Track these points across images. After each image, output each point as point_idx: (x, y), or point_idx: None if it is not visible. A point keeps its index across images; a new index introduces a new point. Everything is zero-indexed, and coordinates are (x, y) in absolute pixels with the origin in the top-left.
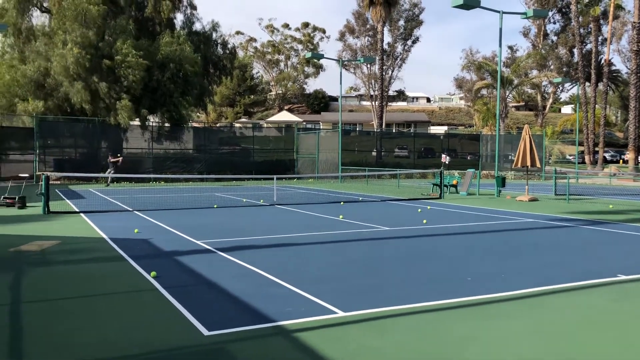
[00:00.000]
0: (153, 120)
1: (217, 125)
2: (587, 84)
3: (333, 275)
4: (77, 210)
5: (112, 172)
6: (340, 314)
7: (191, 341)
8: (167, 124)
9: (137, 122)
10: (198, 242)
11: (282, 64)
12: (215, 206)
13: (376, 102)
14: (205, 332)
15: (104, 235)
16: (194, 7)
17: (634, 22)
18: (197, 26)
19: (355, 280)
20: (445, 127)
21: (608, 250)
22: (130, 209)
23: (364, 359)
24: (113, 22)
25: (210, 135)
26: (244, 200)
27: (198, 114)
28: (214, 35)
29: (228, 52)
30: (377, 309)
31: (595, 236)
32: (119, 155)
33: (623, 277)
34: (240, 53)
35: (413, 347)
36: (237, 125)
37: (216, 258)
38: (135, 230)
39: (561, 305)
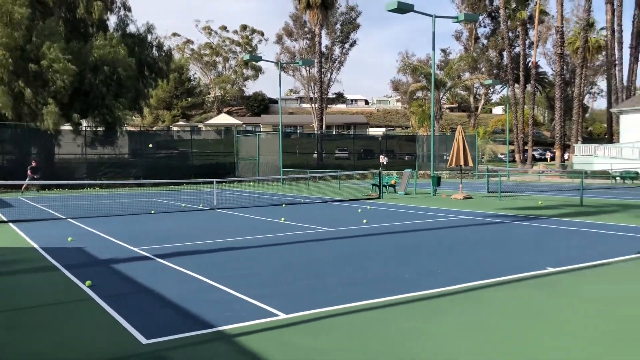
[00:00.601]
0: (87, 124)
1: (154, 128)
2: (516, 85)
3: (274, 278)
4: (4, 219)
5: (29, 179)
6: (282, 316)
7: (129, 351)
8: (100, 128)
9: (68, 126)
10: (135, 249)
11: (220, 66)
12: (152, 212)
13: (316, 105)
14: (144, 340)
15: (35, 245)
16: (127, 9)
17: (557, 27)
18: (132, 28)
19: (297, 283)
20: (384, 129)
21: (537, 245)
22: (64, 217)
23: None
24: (41, 24)
25: (146, 139)
26: (183, 205)
27: (134, 117)
28: (149, 37)
29: (164, 54)
30: (318, 310)
31: (525, 231)
32: (33, 163)
33: (551, 270)
34: (177, 55)
35: (353, 345)
36: (175, 128)
37: (154, 265)
38: (69, 239)
39: (494, 299)
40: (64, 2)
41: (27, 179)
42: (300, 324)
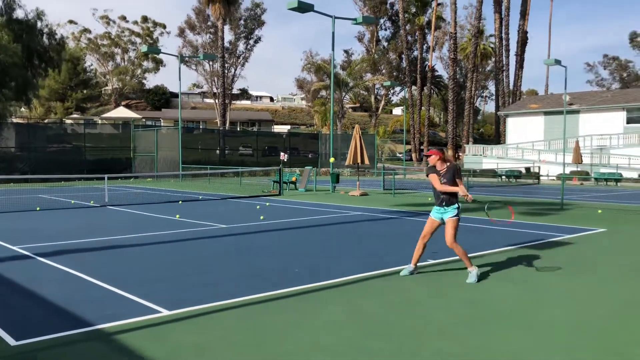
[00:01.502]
0: None
1: (45, 121)
2: (414, 87)
3: (162, 275)
4: None
5: None
6: (165, 312)
7: None
8: None
9: None
10: (14, 247)
11: (118, 58)
12: (38, 209)
13: (219, 100)
14: (13, 342)
15: None
16: None
17: (451, 33)
18: (19, 13)
19: (185, 279)
20: (288, 127)
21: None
22: None
23: (183, 355)
24: None
25: (36, 132)
26: (72, 202)
27: (22, 108)
28: (39, 24)
29: (55, 42)
30: (202, 306)
31: (413, 226)
32: None
33: (431, 262)
34: (72, 44)
35: (235, 340)
36: (68, 121)
37: (34, 264)
38: None
39: (378, 289)
40: None
41: None
42: (184, 319)
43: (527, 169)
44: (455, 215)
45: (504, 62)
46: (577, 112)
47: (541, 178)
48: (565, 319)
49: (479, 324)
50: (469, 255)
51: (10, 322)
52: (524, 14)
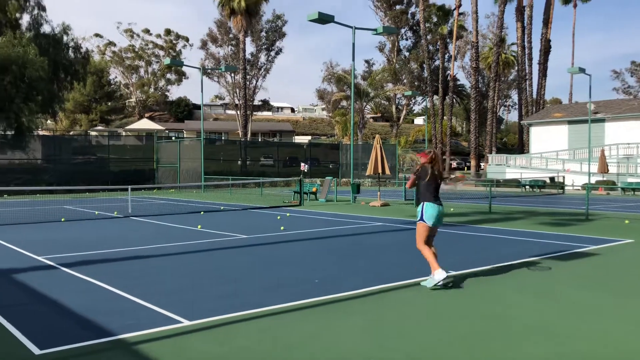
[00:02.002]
0: None
1: (70, 133)
2: (436, 97)
3: (184, 286)
4: None
5: None
6: (186, 323)
7: None
8: (9, 132)
9: None
10: (39, 258)
11: (142, 70)
12: (62, 219)
13: (240, 111)
14: (37, 351)
15: None
16: (42, 8)
17: (473, 42)
18: (46, 28)
19: (205, 290)
20: (309, 137)
21: (444, 249)
22: None
23: None
24: None
25: (61, 144)
26: (96, 212)
27: (48, 120)
28: (65, 38)
29: (81, 56)
30: (223, 316)
31: (436, 237)
32: None
33: (453, 273)
34: (98, 57)
35: (256, 350)
36: (93, 133)
37: (58, 274)
38: None
39: (398, 301)
40: None
41: None
42: (204, 330)
43: (552, 179)
44: (418, 220)
45: (527, 71)
46: (602, 120)
47: (566, 188)
48: (589, 332)
49: (501, 336)
50: (496, 265)
51: (34, 331)
52: (546, 22)
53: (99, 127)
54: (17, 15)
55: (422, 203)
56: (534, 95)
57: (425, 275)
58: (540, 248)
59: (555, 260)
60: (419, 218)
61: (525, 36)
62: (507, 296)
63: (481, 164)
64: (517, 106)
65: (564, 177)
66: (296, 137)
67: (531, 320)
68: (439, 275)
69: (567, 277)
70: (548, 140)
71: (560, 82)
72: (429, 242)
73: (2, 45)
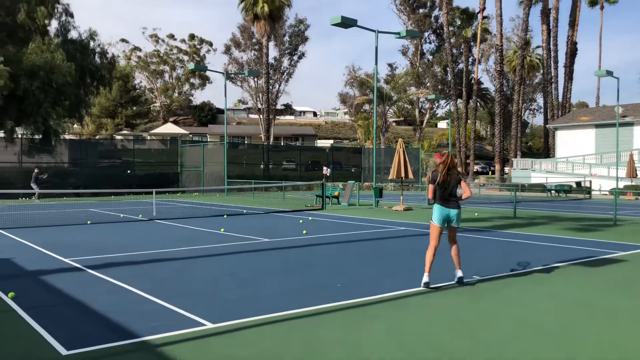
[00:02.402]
0: (22, 132)
1: (96, 137)
2: (460, 100)
3: (207, 288)
4: None
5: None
6: (209, 325)
7: None
8: (37, 136)
9: (2, 134)
10: (66, 260)
11: (167, 75)
12: (88, 222)
13: (263, 116)
14: (64, 351)
15: None
16: (70, 15)
17: (497, 45)
18: (74, 34)
19: (229, 293)
20: (331, 141)
21: (467, 254)
22: None
23: None
24: None
25: (87, 148)
26: (121, 215)
27: (74, 125)
28: (92, 44)
29: (107, 61)
30: (247, 319)
31: (459, 242)
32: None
33: (477, 278)
34: (123, 62)
35: (279, 353)
36: (118, 137)
37: (84, 276)
38: None
39: (421, 306)
40: (2, 5)
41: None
42: (227, 333)
43: (578, 184)
44: (431, 219)
45: (553, 74)
46: (630, 124)
47: (592, 193)
48: (619, 339)
49: (526, 341)
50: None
51: (61, 332)
52: (572, 25)
53: (124, 131)
54: (46, 21)
55: (434, 205)
56: (560, 99)
57: (449, 280)
58: (567, 254)
59: (582, 266)
60: (431, 218)
61: (551, 39)
62: (533, 302)
63: (505, 168)
64: (542, 110)
65: (590, 182)
66: (318, 141)
67: (558, 326)
68: (424, 278)
69: (594, 283)
70: (574, 145)
71: (587, 85)
72: (450, 241)
73: (31, 52)
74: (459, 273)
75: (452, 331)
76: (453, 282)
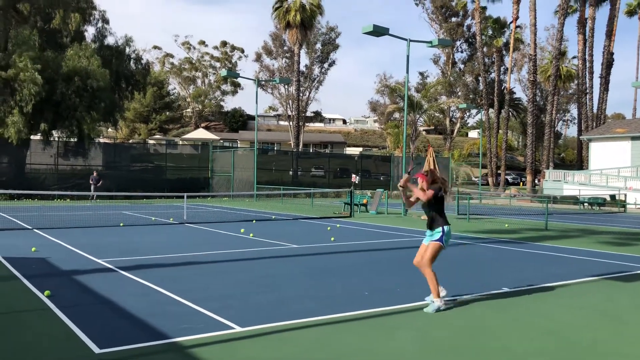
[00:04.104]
0: (58, 135)
1: (130, 141)
2: (491, 110)
3: (236, 292)
4: None
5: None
6: (237, 329)
7: (80, 359)
8: (72, 139)
9: (39, 136)
10: (99, 260)
11: (199, 81)
12: (121, 224)
13: (293, 122)
14: (97, 350)
15: None
16: (106, 21)
17: (530, 55)
18: (110, 40)
19: (258, 297)
20: (360, 149)
21: (497, 265)
22: (30, 227)
23: None
24: (14, 32)
25: (121, 152)
26: (153, 218)
27: (109, 129)
28: (127, 49)
29: (141, 67)
30: (274, 324)
31: (487, 252)
32: (94, 173)
33: (507, 290)
34: (157, 68)
35: (304, 359)
36: (151, 142)
37: (117, 277)
38: (33, 249)
39: (448, 316)
40: (40, 11)
41: (92, 188)
42: (255, 337)
43: (612, 197)
44: (437, 240)
45: (588, 85)
46: None
47: (628, 206)
48: None
49: (558, 355)
50: (552, 284)
51: (94, 331)
52: (609, 35)
53: (157, 136)
54: (82, 27)
55: (444, 225)
56: (595, 110)
57: (478, 292)
58: (600, 268)
59: (615, 281)
60: (437, 238)
61: (587, 49)
62: (564, 315)
63: (537, 179)
64: (576, 121)
65: (625, 195)
66: (347, 148)
67: (591, 340)
68: (439, 301)
69: (628, 298)
70: (609, 157)
71: (623, 96)
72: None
73: (69, 57)
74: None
75: (480, 343)
76: (485, 293)
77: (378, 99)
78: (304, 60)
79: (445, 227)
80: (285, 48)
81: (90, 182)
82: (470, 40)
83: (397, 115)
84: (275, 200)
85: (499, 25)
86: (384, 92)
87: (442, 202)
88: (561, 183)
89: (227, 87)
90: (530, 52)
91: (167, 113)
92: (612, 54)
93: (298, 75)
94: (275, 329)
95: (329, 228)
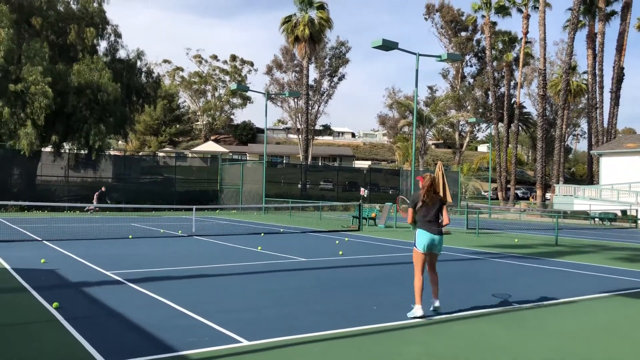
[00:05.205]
0: (69, 147)
1: (140, 154)
2: (501, 124)
3: (244, 306)
4: None
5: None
6: (244, 343)
7: None
8: (83, 151)
9: (50, 148)
10: (108, 272)
11: (209, 95)
12: (130, 237)
13: (302, 136)
14: None
15: (6, 265)
16: (118, 35)
17: (540, 69)
18: (122, 54)
19: (265, 310)
20: (369, 162)
21: (506, 281)
22: (39, 239)
23: None
24: (26, 45)
25: (131, 164)
26: (162, 231)
27: (119, 141)
28: (139, 63)
29: (152, 80)
30: (281, 338)
31: (497, 268)
32: (102, 188)
33: (517, 306)
34: (167, 82)
35: None
36: (161, 154)
37: (125, 289)
38: (42, 261)
39: (458, 332)
40: (51, 25)
41: (95, 201)
42: (261, 351)
43: (624, 212)
44: (414, 245)
45: (598, 99)
46: None
47: (639, 222)
48: None
49: None
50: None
51: (102, 343)
52: (620, 49)
53: (167, 149)
54: (95, 41)
55: (416, 229)
56: (605, 125)
57: (488, 307)
58: (611, 284)
59: (627, 298)
60: (413, 244)
61: (597, 63)
62: (576, 332)
63: (547, 194)
64: (586, 135)
65: (637, 211)
66: (356, 162)
67: (598, 356)
68: (416, 311)
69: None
70: (620, 171)
71: (634, 111)
72: (429, 268)
73: (80, 71)
74: (437, 303)
75: (489, 358)
76: (495, 309)
77: (387, 113)
78: (313, 74)
79: (417, 231)
80: (295, 62)
81: (95, 196)
82: (479, 54)
83: (406, 128)
84: (283, 213)
85: (509, 40)
86: (393, 106)
87: (419, 211)
88: (571, 198)
89: (236, 100)
90: (540, 66)
91: (177, 126)
92: (623, 68)
93: (307, 88)
94: (282, 343)
95: (337, 242)
